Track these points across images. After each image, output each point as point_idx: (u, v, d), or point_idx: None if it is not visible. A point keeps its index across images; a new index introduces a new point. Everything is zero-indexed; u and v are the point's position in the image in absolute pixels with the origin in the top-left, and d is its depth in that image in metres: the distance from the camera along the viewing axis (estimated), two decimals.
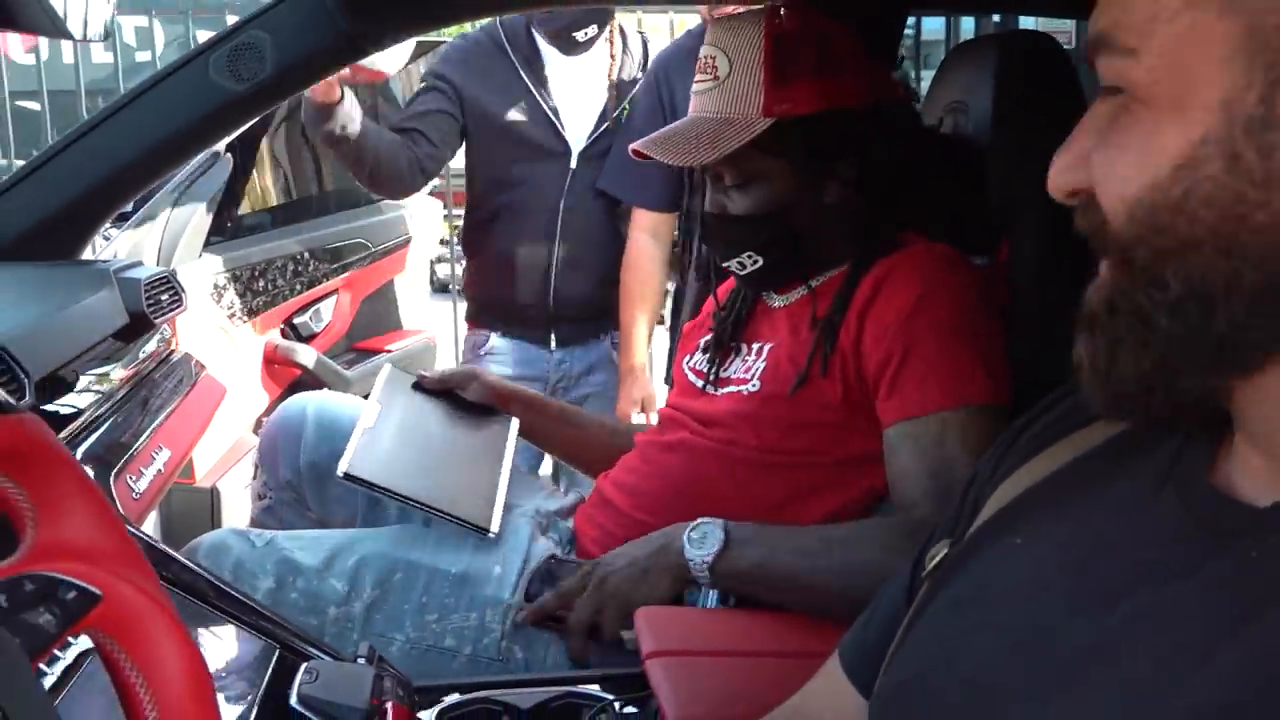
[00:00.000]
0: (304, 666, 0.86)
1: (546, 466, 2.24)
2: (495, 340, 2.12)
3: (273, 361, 2.35)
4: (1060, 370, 0.71)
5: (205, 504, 2.04)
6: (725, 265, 1.25)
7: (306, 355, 2.38)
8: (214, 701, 0.56)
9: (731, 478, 1.20)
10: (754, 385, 1.22)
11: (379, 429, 1.31)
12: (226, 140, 1.93)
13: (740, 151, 1.15)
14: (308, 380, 2.48)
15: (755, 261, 1.21)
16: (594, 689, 1.00)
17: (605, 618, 1.09)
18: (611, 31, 2.07)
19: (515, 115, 2.04)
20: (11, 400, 0.53)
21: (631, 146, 1.26)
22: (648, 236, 2.15)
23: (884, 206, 1.22)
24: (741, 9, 1.31)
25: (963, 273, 1.16)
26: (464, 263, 2.28)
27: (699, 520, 1.11)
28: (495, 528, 1.20)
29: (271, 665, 0.91)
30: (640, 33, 2.21)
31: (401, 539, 1.24)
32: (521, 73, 2.03)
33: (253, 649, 0.93)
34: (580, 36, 2.01)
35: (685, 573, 1.08)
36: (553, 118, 2.04)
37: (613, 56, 2.08)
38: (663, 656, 0.88)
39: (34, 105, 4.53)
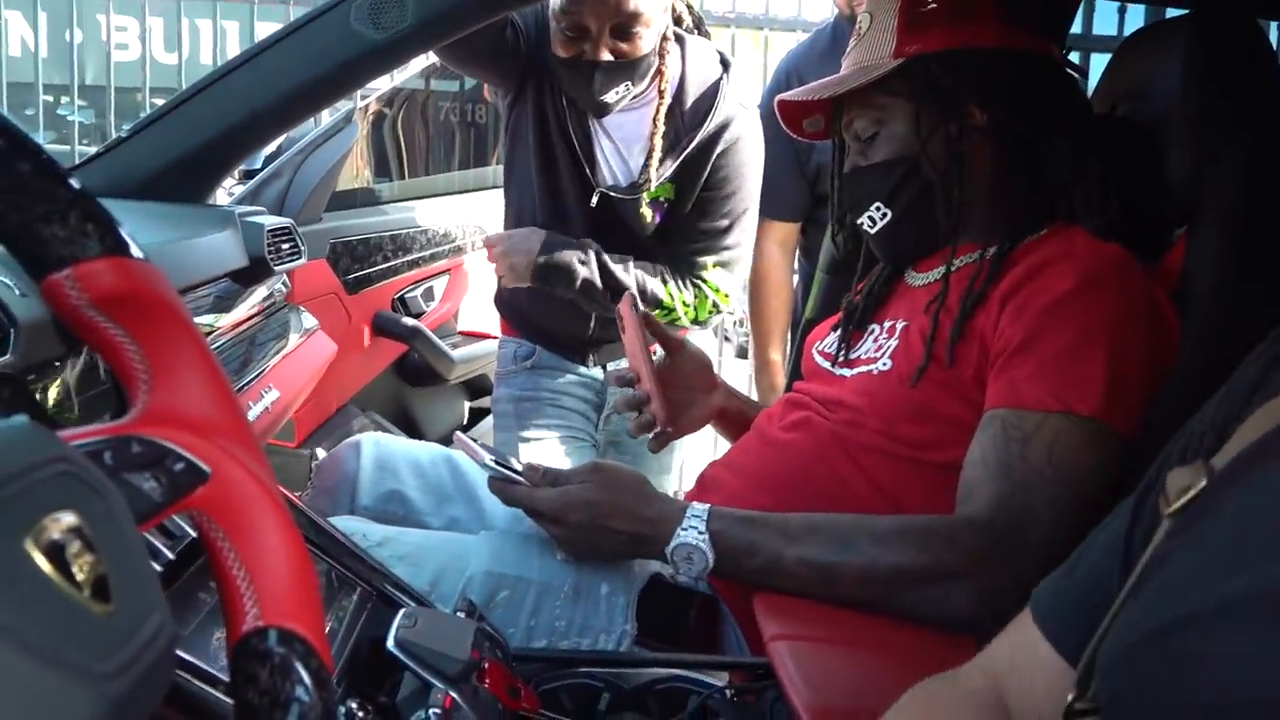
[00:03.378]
0: (403, 611, 0.80)
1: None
2: (542, 353, 1.95)
3: (380, 333, 2.33)
4: (1229, 372, 0.62)
5: (305, 469, 2.03)
6: (858, 224, 1.21)
7: (414, 330, 2.36)
8: (319, 606, 0.50)
9: (854, 462, 1.11)
10: (885, 363, 1.14)
11: None
12: (358, 103, 1.93)
13: (870, 95, 1.16)
14: (412, 358, 2.47)
15: (884, 215, 1.18)
16: (702, 675, 0.92)
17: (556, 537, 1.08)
18: (661, 79, 1.71)
19: (552, 128, 1.76)
20: (131, 241, 0.48)
21: (778, 97, 1.25)
22: (776, 247, 2.11)
23: (1033, 176, 1.13)
24: None
25: (1132, 277, 1.05)
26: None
27: (679, 533, 1.01)
28: None
29: (367, 610, 0.86)
30: (722, 55, 1.82)
31: (505, 550, 1.12)
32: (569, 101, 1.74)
33: (347, 592, 0.88)
34: (610, 98, 1.67)
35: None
36: (580, 157, 1.75)
37: (661, 96, 1.72)
38: (788, 640, 0.80)
39: None
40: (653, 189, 1.74)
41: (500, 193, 2.34)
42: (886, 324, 1.19)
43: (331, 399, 2.19)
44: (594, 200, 1.76)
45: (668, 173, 1.74)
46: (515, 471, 1.11)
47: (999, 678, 0.64)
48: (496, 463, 1.11)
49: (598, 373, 1.95)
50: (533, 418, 1.91)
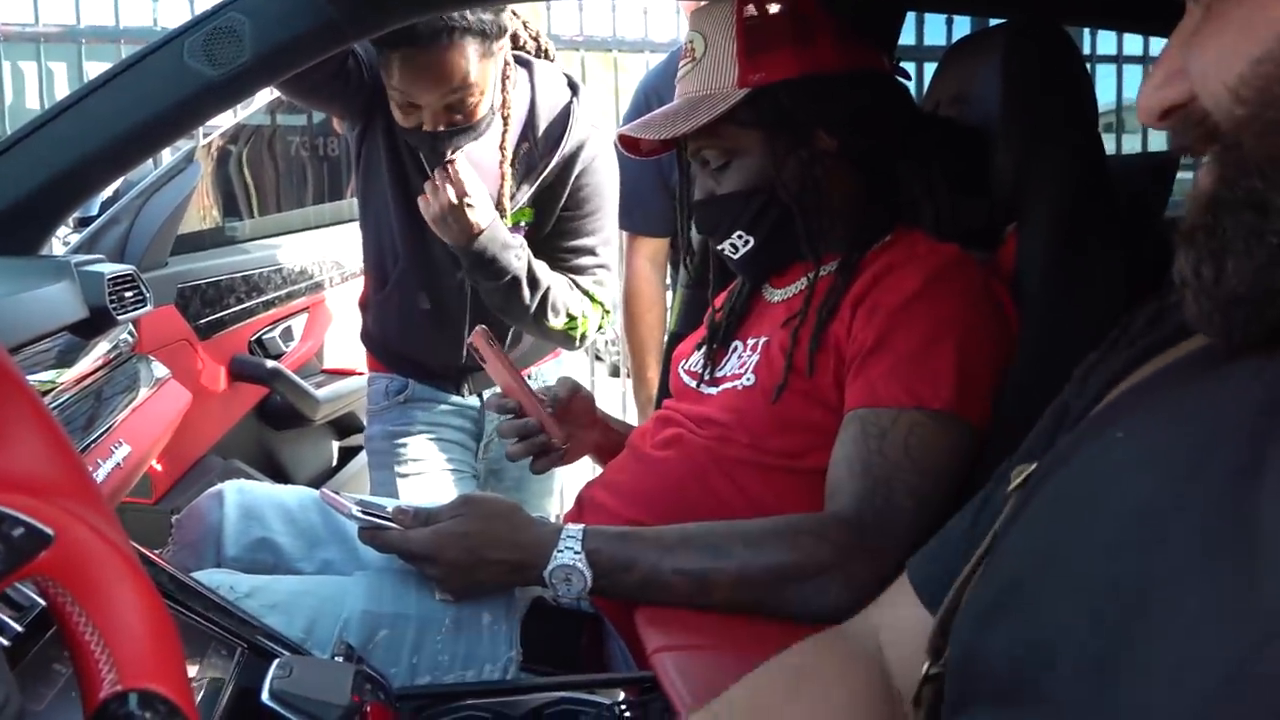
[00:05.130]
0: (276, 662, 0.78)
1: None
2: (415, 386, 1.90)
3: (238, 377, 2.25)
4: (1068, 357, 0.68)
5: (164, 525, 1.94)
6: (720, 250, 1.22)
7: (273, 372, 2.29)
8: (181, 663, 0.48)
9: (728, 477, 1.14)
10: (749, 379, 1.17)
11: None
12: (200, 141, 1.87)
13: (718, 127, 1.15)
14: (274, 401, 2.39)
15: (746, 242, 1.19)
16: (590, 695, 0.92)
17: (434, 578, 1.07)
18: (505, 105, 1.69)
19: (405, 158, 1.72)
20: None
21: (619, 131, 1.26)
22: (647, 262, 2.14)
23: (879, 188, 1.18)
24: None
25: (971, 276, 1.11)
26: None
27: (555, 555, 1.02)
28: None
29: (239, 665, 0.83)
30: (569, 79, 1.82)
31: (382, 588, 1.10)
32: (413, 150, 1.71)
33: (216, 648, 0.84)
34: (454, 155, 1.62)
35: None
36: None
37: (506, 124, 1.69)
38: (670, 651, 0.81)
39: None
40: (510, 215, 1.73)
41: (354, 227, 2.28)
42: (749, 340, 1.22)
43: (190, 449, 2.10)
44: None
45: (524, 199, 1.74)
46: (384, 516, 1.09)
47: (879, 635, 0.69)
48: (364, 511, 1.08)
49: (474, 401, 1.93)
50: (410, 453, 1.87)
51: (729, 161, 1.18)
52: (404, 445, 1.87)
